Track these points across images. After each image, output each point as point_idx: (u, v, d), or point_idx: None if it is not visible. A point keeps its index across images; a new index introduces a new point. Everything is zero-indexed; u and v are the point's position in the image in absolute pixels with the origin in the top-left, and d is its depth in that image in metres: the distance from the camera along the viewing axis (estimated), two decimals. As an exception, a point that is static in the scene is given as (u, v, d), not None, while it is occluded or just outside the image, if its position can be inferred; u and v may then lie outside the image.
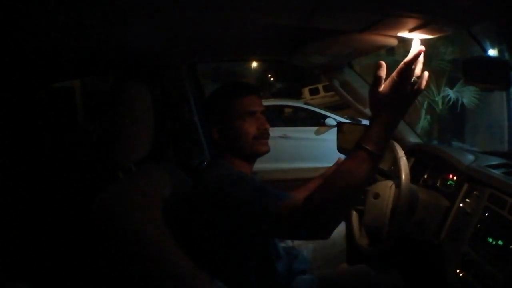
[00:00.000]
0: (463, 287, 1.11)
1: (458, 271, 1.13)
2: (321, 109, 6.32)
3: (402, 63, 0.76)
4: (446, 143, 6.06)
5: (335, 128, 2.24)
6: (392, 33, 1.22)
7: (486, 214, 1.12)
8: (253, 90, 1.18)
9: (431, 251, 1.31)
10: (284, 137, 5.36)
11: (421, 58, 0.77)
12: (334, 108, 7.30)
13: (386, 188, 1.34)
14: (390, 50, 7.06)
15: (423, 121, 6.56)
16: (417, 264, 1.45)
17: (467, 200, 1.23)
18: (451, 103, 6.26)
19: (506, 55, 1.16)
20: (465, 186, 1.27)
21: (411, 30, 1.16)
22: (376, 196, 1.35)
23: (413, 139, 1.87)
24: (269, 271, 1.15)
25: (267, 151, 1.16)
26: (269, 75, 20.82)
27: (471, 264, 1.10)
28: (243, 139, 1.13)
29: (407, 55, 0.76)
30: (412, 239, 1.35)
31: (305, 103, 7.07)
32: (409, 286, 1.35)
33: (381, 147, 0.80)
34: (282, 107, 7.43)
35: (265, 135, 1.15)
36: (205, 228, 1.05)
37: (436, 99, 6.45)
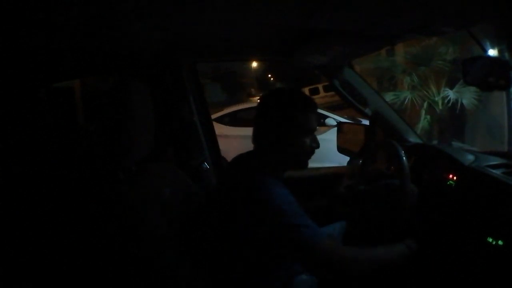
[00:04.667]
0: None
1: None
2: (321, 109, 6.32)
3: None
4: (446, 143, 6.06)
5: (335, 128, 2.25)
6: (392, 33, 1.22)
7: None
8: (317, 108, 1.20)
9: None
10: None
11: None
12: (334, 108, 7.29)
13: (386, 189, 1.34)
14: (390, 50, 7.06)
15: (423, 121, 6.54)
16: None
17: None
18: (451, 103, 6.25)
19: (506, 55, 1.16)
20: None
21: (411, 30, 1.16)
22: (376, 196, 1.35)
23: (413, 139, 1.87)
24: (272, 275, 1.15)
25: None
26: (269, 75, 20.83)
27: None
28: (299, 153, 1.15)
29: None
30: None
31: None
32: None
33: None
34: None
35: (312, 154, 1.19)
36: (224, 227, 1.07)
37: (436, 99, 6.43)
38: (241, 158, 1.22)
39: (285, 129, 1.12)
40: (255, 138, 1.18)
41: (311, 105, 1.16)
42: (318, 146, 1.18)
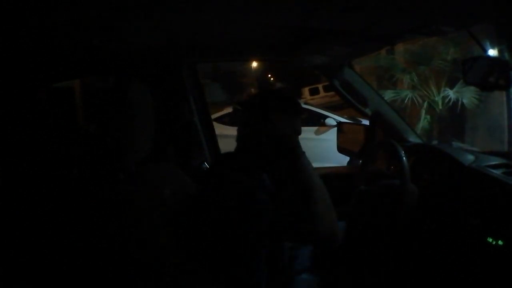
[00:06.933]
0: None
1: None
2: (321, 109, 6.32)
3: None
4: (446, 143, 6.06)
5: (335, 128, 2.25)
6: (392, 33, 1.22)
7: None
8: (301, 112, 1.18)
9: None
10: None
11: None
12: (334, 108, 7.29)
13: (386, 189, 1.34)
14: (390, 49, 7.06)
15: (423, 121, 6.55)
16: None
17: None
18: (451, 103, 6.25)
19: (506, 55, 1.17)
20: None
21: (411, 30, 1.16)
22: (376, 196, 1.35)
23: (413, 139, 1.87)
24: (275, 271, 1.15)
25: None
26: (269, 75, 20.83)
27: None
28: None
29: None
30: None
31: (305, 103, 7.07)
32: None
33: None
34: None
35: None
36: (217, 227, 1.06)
37: (436, 99, 6.44)
38: (224, 158, 1.24)
39: (267, 132, 1.10)
40: (239, 138, 1.17)
41: (296, 108, 1.14)
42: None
